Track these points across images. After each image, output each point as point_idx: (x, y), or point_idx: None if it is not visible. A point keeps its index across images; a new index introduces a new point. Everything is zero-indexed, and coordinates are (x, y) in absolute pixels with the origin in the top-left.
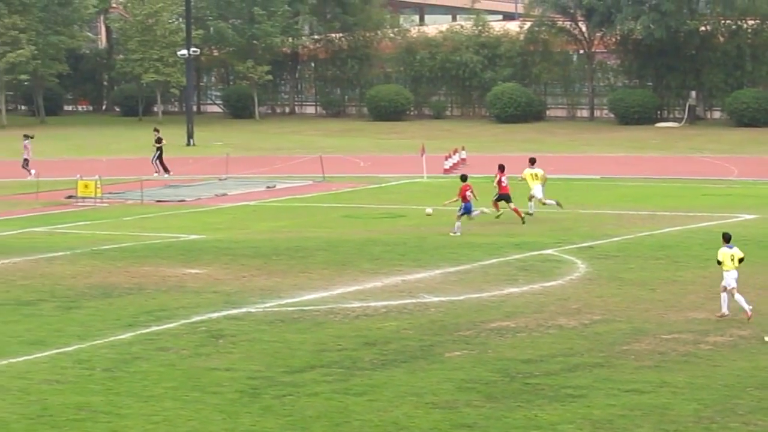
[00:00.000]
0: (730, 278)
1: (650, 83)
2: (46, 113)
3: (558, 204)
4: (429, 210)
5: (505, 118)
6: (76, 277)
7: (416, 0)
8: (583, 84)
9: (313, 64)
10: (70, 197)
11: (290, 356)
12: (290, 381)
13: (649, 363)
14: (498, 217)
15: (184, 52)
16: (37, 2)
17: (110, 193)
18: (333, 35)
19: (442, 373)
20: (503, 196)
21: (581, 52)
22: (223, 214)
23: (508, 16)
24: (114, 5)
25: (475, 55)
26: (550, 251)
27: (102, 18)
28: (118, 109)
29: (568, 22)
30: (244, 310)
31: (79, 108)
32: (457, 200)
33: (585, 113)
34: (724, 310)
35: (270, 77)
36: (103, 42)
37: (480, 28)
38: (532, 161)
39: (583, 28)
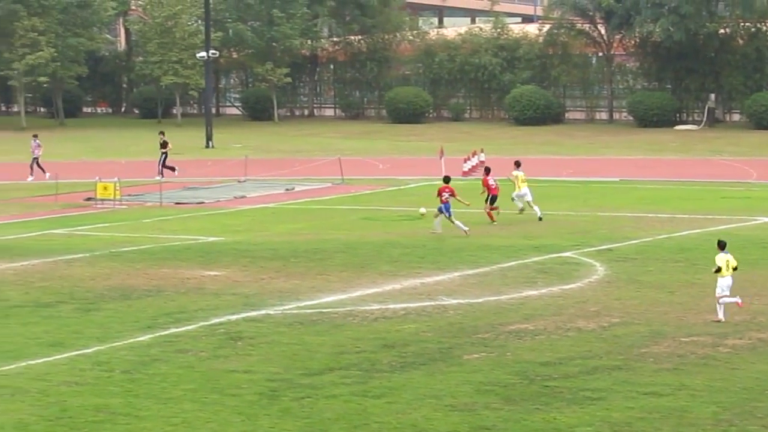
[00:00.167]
0: (723, 285)
1: (669, 86)
2: (65, 115)
3: (521, 210)
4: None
5: (523, 120)
6: (95, 279)
7: (435, 2)
8: (602, 86)
9: (332, 67)
10: (89, 199)
11: (309, 358)
12: (309, 383)
13: (668, 366)
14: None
15: (203, 54)
16: (57, 4)
17: (129, 195)
18: (352, 37)
19: (460, 375)
20: (494, 197)
21: (600, 54)
22: (241, 216)
23: (527, 19)
24: (133, 7)
25: (494, 58)
26: (568, 254)
27: (121, 20)
28: (137, 112)
29: (587, 25)
30: (262, 312)
31: (98, 110)
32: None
33: (604, 116)
34: (720, 316)
35: (289, 79)
36: (122, 44)
37: (499, 30)
38: (518, 164)
39: (602, 31)
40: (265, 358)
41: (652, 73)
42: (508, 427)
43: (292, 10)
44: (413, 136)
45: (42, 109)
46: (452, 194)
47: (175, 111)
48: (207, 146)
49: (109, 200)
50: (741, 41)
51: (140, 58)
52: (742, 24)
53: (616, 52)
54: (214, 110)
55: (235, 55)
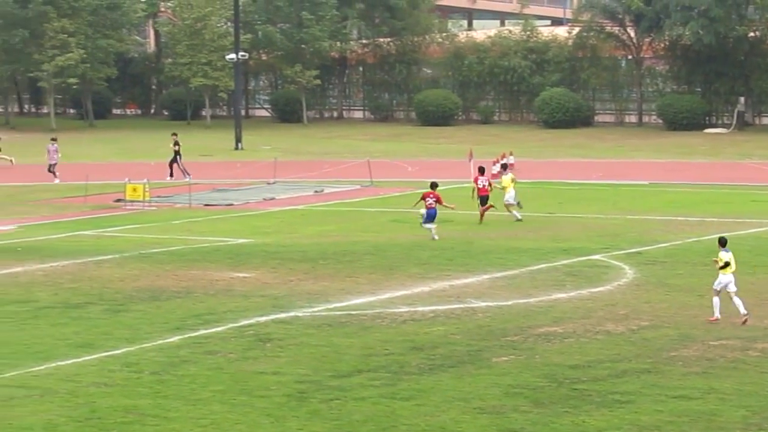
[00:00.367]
0: (726, 280)
1: (699, 89)
2: (94, 117)
3: (518, 204)
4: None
5: (553, 123)
6: (124, 281)
7: (464, 5)
8: (632, 89)
9: (361, 69)
10: (118, 200)
11: (337, 360)
12: (337, 385)
13: (697, 369)
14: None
15: (233, 56)
16: (87, 6)
17: (158, 196)
18: (381, 40)
19: (489, 378)
20: (482, 198)
21: (630, 57)
22: (271, 218)
23: (557, 22)
24: (163, 9)
25: (524, 60)
26: (597, 257)
27: (151, 22)
28: (166, 113)
29: (617, 28)
30: (291, 314)
31: (128, 111)
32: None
33: (633, 119)
34: (717, 315)
35: (318, 81)
36: (151, 46)
37: (528, 33)
38: (504, 167)
39: (632, 34)
40: (293, 359)
41: (681, 77)
42: (536, 430)
43: (322, 12)
44: (442, 139)
45: (71, 111)
46: (438, 201)
47: (204, 113)
48: (236, 148)
49: (139, 202)
50: None
51: (169, 60)
52: None
53: (646, 55)
54: (243, 112)
55: (264, 57)
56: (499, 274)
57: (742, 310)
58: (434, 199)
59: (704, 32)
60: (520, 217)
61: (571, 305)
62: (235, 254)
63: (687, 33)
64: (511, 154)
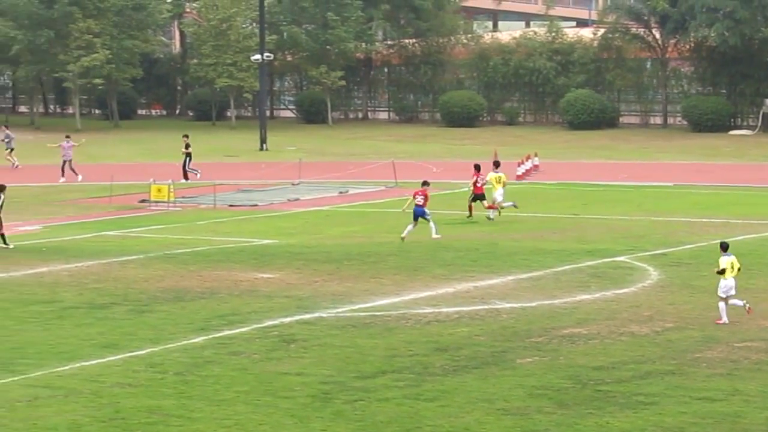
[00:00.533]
0: (728, 287)
1: (724, 91)
2: (119, 117)
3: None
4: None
5: (578, 124)
6: (148, 281)
7: (490, 6)
8: (657, 91)
9: (386, 70)
10: (143, 201)
11: (361, 361)
12: (361, 386)
13: (721, 371)
14: (469, 217)
15: (258, 57)
16: (112, 7)
17: (183, 197)
18: (406, 41)
19: (513, 379)
20: (478, 196)
21: (655, 59)
22: (295, 218)
23: (582, 23)
24: (188, 10)
25: (549, 62)
26: (622, 258)
27: (176, 23)
28: (191, 114)
29: (642, 29)
30: (316, 314)
31: (153, 112)
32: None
33: (658, 120)
34: (725, 319)
35: (343, 82)
36: (176, 46)
37: (553, 34)
38: (497, 164)
39: (657, 35)
40: (317, 360)
41: (706, 78)
42: (560, 431)
43: (347, 13)
44: (467, 140)
45: (97, 111)
46: (425, 199)
47: (229, 113)
48: (261, 149)
49: (163, 202)
50: None
51: (195, 61)
52: None
53: (671, 57)
54: (268, 113)
55: (289, 58)
56: (523, 276)
57: (725, 318)
58: (423, 198)
59: (729, 34)
60: (492, 217)
61: (596, 306)
62: (259, 255)
63: (712, 34)
64: (536, 155)
